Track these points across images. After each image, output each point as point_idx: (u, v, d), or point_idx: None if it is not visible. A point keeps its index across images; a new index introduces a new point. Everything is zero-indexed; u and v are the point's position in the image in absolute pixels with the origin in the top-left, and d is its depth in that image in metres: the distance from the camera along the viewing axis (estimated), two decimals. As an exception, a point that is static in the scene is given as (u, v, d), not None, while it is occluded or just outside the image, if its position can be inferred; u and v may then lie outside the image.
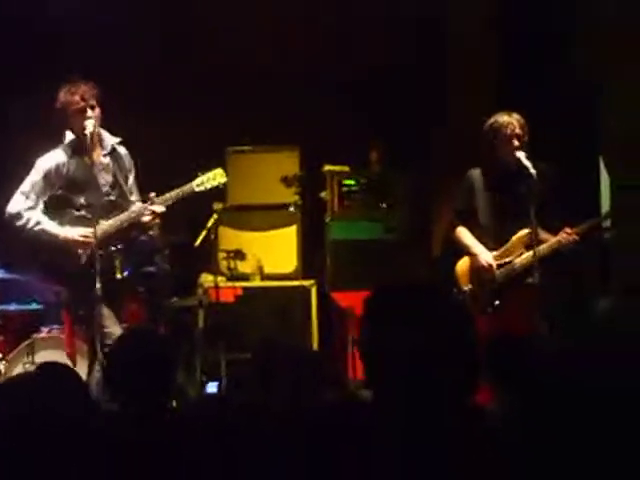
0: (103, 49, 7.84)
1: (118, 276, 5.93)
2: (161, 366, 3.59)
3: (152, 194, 5.92)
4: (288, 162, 8.01)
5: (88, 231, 5.81)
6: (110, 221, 5.91)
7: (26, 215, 5.91)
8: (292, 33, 8.08)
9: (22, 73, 7.98)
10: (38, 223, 5.90)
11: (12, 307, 7.45)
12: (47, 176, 5.94)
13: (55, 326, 7.12)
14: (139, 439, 3.19)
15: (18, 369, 6.77)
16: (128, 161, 6.13)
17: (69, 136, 5.98)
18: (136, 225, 5.98)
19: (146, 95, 7.88)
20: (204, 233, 7.02)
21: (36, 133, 7.51)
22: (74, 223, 5.92)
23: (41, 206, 5.96)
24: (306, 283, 7.80)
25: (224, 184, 6.16)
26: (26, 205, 5.92)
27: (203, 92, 8.08)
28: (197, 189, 6.01)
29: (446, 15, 8.10)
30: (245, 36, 8.09)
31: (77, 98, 5.82)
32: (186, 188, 5.98)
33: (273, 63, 8.14)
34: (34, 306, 7.50)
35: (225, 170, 7.69)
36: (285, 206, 7.97)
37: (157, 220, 5.95)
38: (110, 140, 6.06)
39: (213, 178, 6.07)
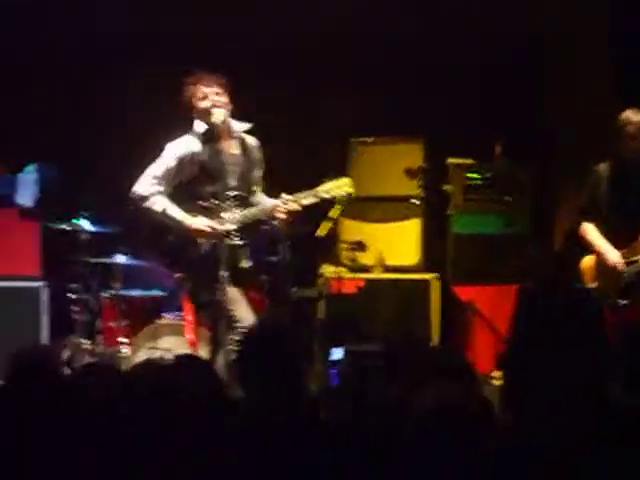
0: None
1: (242, 265, 5.94)
2: (293, 361, 3.59)
3: (284, 195, 5.89)
4: (412, 154, 7.94)
5: (214, 222, 5.82)
6: (237, 214, 5.90)
7: (153, 199, 5.93)
8: (421, 26, 7.99)
9: (139, 54, 8.10)
10: (165, 209, 5.91)
11: (135, 292, 7.58)
12: (181, 163, 5.94)
13: (177, 312, 7.20)
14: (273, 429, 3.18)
15: (141, 354, 6.86)
16: (257, 153, 6.12)
17: (199, 126, 5.98)
18: (264, 220, 5.98)
19: (271, 83, 7.88)
20: (327, 224, 6.98)
21: (155, 115, 7.70)
22: (199, 212, 5.93)
23: (168, 189, 5.97)
24: (428, 276, 7.74)
25: (349, 195, 6.07)
26: (155, 189, 5.93)
27: (329, 82, 8.05)
28: (324, 195, 5.94)
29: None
30: (373, 29, 8.02)
31: (202, 87, 5.85)
32: (313, 192, 5.91)
33: (401, 54, 8.06)
34: (156, 292, 7.60)
35: (349, 161, 7.83)
36: (408, 198, 7.90)
37: (290, 217, 5.90)
38: (239, 128, 6.05)
39: (340, 186, 5.97)
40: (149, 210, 5.93)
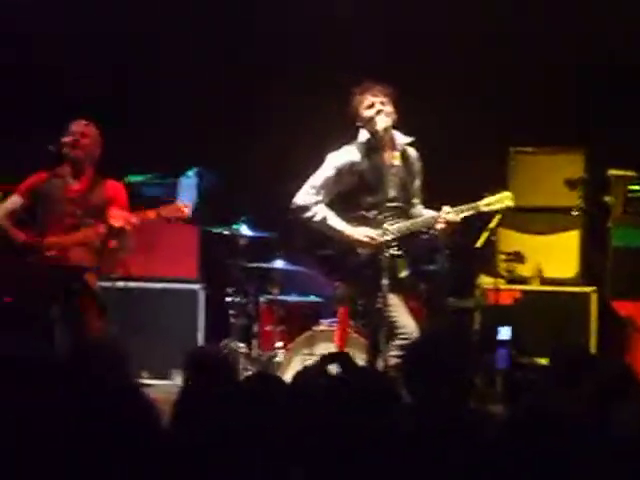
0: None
1: (401, 275, 5.93)
2: (461, 371, 3.57)
3: (445, 207, 5.88)
4: (573, 164, 7.80)
5: (374, 232, 5.83)
6: (398, 225, 5.91)
7: (314, 209, 5.97)
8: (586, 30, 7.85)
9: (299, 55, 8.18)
10: (325, 218, 5.94)
11: (292, 298, 7.64)
12: (340, 173, 5.97)
13: (334, 319, 7.22)
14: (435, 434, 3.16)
15: (297, 360, 6.90)
16: (417, 164, 6.12)
17: (363, 135, 6.01)
18: (424, 231, 5.98)
19: (433, 90, 7.86)
20: (486, 234, 6.92)
21: (314, 119, 7.75)
22: (359, 222, 5.94)
23: (328, 200, 6.02)
24: (586, 289, 7.59)
25: (510, 208, 6.04)
26: (315, 199, 5.97)
27: (488, 89, 7.98)
28: (484, 209, 5.94)
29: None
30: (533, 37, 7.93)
31: (368, 97, 5.88)
32: (474, 206, 5.91)
33: (561, 62, 7.94)
34: (313, 298, 7.65)
35: (508, 171, 7.75)
36: (568, 209, 7.76)
37: (451, 229, 5.90)
38: (401, 140, 6.06)
39: (501, 200, 5.96)
40: (310, 220, 5.97)
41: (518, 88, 7.98)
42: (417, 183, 6.14)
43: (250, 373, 7.24)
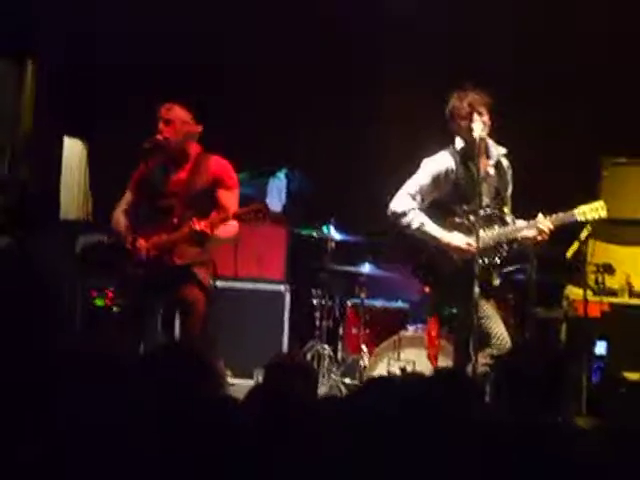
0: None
1: (494, 283, 5.92)
2: (551, 383, 3.55)
3: (540, 216, 5.88)
4: (666, 176, 7.72)
5: (471, 240, 5.82)
6: (491, 233, 5.90)
7: (411, 215, 5.94)
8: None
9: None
10: (422, 224, 5.93)
11: (379, 303, 7.65)
12: (436, 180, 5.96)
13: (420, 325, 7.23)
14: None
15: (383, 364, 6.93)
16: (510, 174, 6.11)
17: (459, 142, 5.99)
18: (517, 240, 5.96)
19: (527, 98, 7.81)
20: (576, 245, 6.86)
21: (412, 130, 7.74)
22: (453, 229, 5.94)
23: (424, 206, 6.00)
24: (677, 303, 7.49)
25: (602, 218, 6.00)
26: (412, 205, 5.94)
27: (583, 98, 7.90)
28: (579, 217, 5.92)
29: None
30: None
31: (465, 104, 5.86)
32: (568, 215, 5.89)
33: None
34: (400, 303, 7.66)
35: (600, 181, 7.68)
36: (659, 221, 7.68)
37: (545, 238, 5.88)
38: (497, 151, 6.04)
39: (595, 210, 5.94)
40: (407, 227, 5.96)
41: (613, 97, 7.89)
42: (509, 192, 6.13)
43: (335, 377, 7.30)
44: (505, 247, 5.94)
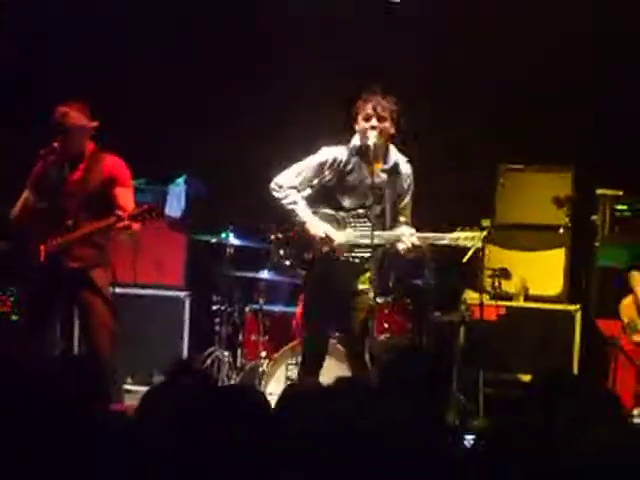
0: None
1: (359, 287, 5.92)
2: (434, 384, 3.60)
3: (410, 230, 5.86)
4: (560, 183, 7.86)
5: (333, 232, 5.83)
6: (356, 233, 5.88)
7: (287, 192, 5.91)
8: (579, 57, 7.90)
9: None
10: (294, 202, 5.89)
11: (277, 308, 7.65)
12: (321, 166, 5.93)
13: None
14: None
15: (281, 370, 6.93)
16: (407, 181, 6.03)
17: (355, 140, 6.00)
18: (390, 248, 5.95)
19: (428, 103, 7.88)
20: (472, 250, 6.94)
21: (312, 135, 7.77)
22: (326, 219, 5.92)
23: (307, 190, 5.96)
24: (571, 307, 7.64)
25: (476, 249, 6.02)
26: (291, 183, 5.92)
27: (480, 107, 8.01)
28: (450, 242, 5.89)
29: None
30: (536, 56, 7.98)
31: (369, 107, 5.85)
32: (439, 236, 5.87)
33: (551, 85, 7.98)
34: (299, 309, 7.65)
35: (497, 186, 7.80)
36: (555, 227, 7.81)
37: (410, 253, 5.85)
38: (395, 157, 6.03)
39: (471, 239, 5.90)
40: (279, 200, 5.92)
41: (511, 105, 8.01)
42: (405, 201, 6.05)
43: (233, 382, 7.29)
44: (364, 251, 5.87)
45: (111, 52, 8.37)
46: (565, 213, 7.79)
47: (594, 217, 7.80)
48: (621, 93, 7.80)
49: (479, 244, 5.95)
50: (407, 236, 5.81)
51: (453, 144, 7.90)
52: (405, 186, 6.02)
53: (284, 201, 5.90)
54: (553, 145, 7.92)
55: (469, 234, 5.90)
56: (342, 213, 5.92)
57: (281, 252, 6.05)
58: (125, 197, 6.15)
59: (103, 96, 7.92)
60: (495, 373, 7.37)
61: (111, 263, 6.30)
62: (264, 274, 7.53)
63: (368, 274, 5.83)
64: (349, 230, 5.86)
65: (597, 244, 7.75)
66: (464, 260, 6.98)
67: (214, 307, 7.75)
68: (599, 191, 7.78)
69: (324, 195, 5.97)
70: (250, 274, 7.62)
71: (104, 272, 6.23)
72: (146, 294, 8.07)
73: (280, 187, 5.92)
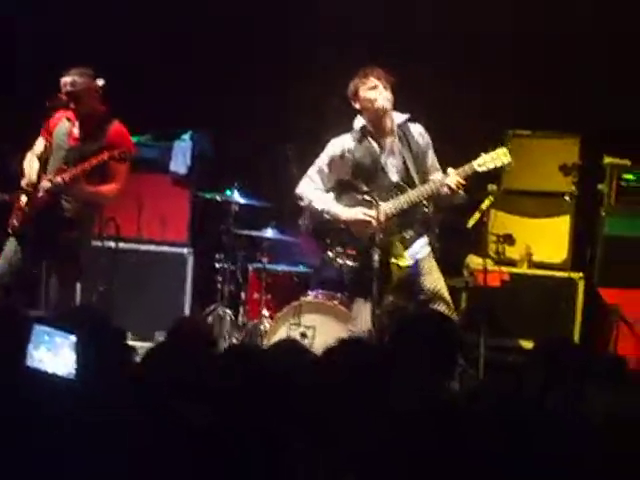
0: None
1: (399, 263, 5.94)
2: (448, 347, 3.60)
3: (449, 169, 5.90)
4: (568, 150, 7.80)
5: (370, 211, 5.85)
6: (393, 203, 5.92)
7: (310, 196, 6.06)
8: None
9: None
10: (321, 202, 6.03)
11: (281, 268, 7.65)
12: (332, 161, 6.05)
13: (321, 291, 7.24)
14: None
15: (283, 329, 6.93)
16: (422, 140, 6.08)
17: (358, 122, 6.04)
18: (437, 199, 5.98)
19: (432, 69, 7.84)
20: (477, 215, 6.93)
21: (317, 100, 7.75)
22: (359, 206, 5.98)
23: (327, 187, 6.08)
24: (574, 275, 7.62)
25: (508, 164, 6.03)
26: (310, 187, 6.08)
27: (489, 71, 7.96)
28: (479, 169, 5.92)
29: None
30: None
31: (372, 78, 5.89)
32: (471, 166, 5.90)
33: (562, 50, 7.92)
34: (302, 269, 7.66)
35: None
36: (561, 195, 7.79)
37: (457, 192, 5.88)
38: (400, 120, 6.05)
39: (496, 158, 5.95)
40: (308, 206, 6.07)
41: (518, 71, 7.96)
42: (429, 158, 6.12)
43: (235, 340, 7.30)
44: (411, 214, 5.93)
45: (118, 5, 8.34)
46: (571, 181, 7.75)
47: (600, 186, 7.76)
48: (632, 61, 7.76)
49: (508, 159, 5.97)
50: (448, 176, 5.84)
51: (460, 110, 7.85)
52: (422, 143, 6.05)
53: (312, 205, 6.04)
54: (561, 112, 7.88)
55: (493, 153, 5.95)
56: (370, 194, 5.93)
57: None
58: (118, 169, 6.36)
59: (110, 51, 7.97)
60: (497, 339, 7.36)
61: (103, 216, 6.59)
62: (268, 233, 7.52)
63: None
64: (383, 204, 5.87)
65: (603, 213, 7.71)
66: (469, 224, 7.01)
67: (217, 265, 7.74)
68: (606, 160, 7.73)
69: (346, 186, 6.05)
70: (254, 232, 7.61)
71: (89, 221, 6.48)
72: (149, 250, 8.06)
73: (301, 196, 6.07)
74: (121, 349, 3.60)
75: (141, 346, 7.52)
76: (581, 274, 7.64)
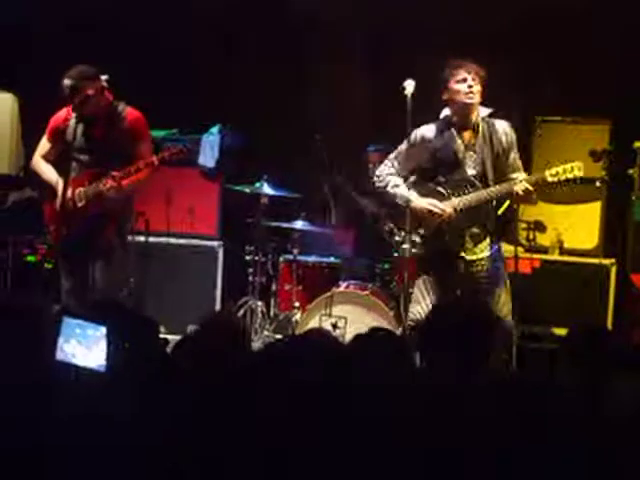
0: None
1: (467, 257, 5.98)
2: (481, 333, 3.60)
3: (520, 175, 5.93)
4: (598, 136, 7.76)
5: (439, 204, 5.90)
6: (464, 198, 5.94)
7: (387, 179, 6.09)
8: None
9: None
10: (395, 186, 6.06)
11: (311, 259, 7.65)
12: (412, 147, 6.01)
13: (352, 281, 7.24)
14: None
15: (315, 321, 6.93)
16: (505, 137, 6.03)
17: (444, 112, 6.09)
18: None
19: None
20: (507, 202, 6.90)
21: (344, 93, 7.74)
22: (431, 196, 5.99)
23: (404, 172, 6.11)
24: (606, 262, 7.58)
25: (580, 179, 6.00)
26: (388, 170, 6.11)
27: (519, 57, 7.91)
28: (550, 179, 5.90)
29: None
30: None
31: (463, 70, 5.87)
32: (543, 175, 5.90)
33: (594, 36, 7.86)
34: (333, 260, 7.66)
35: (533, 139, 7.72)
36: (591, 181, 7.72)
37: (525, 199, 5.98)
38: (484, 114, 6.07)
39: (569, 170, 5.91)
40: (382, 188, 6.11)
41: (549, 57, 7.91)
42: (510, 157, 6.06)
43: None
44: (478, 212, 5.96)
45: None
46: (602, 166, 7.69)
47: (631, 171, 7.70)
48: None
49: (580, 172, 5.93)
50: (518, 187, 5.87)
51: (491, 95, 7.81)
52: (504, 141, 6.01)
53: (387, 188, 6.09)
54: (591, 98, 7.83)
55: (568, 166, 5.92)
56: (444, 185, 5.98)
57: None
58: (145, 150, 6.31)
59: (139, 43, 8.00)
60: (529, 326, 7.33)
61: (135, 210, 6.61)
62: (298, 224, 7.53)
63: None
64: (454, 199, 5.91)
65: (634, 198, 7.66)
66: (499, 212, 6.97)
67: (247, 257, 7.75)
68: (637, 144, 7.67)
69: (424, 175, 6.08)
70: (284, 224, 7.61)
71: (122, 218, 6.41)
72: (179, 243, 8.08)
73: (379, 177, 6.13)
74: (155, 341, 3.61)
75: (173, 339, 7.60)
76: (613, 260, 7.60)
